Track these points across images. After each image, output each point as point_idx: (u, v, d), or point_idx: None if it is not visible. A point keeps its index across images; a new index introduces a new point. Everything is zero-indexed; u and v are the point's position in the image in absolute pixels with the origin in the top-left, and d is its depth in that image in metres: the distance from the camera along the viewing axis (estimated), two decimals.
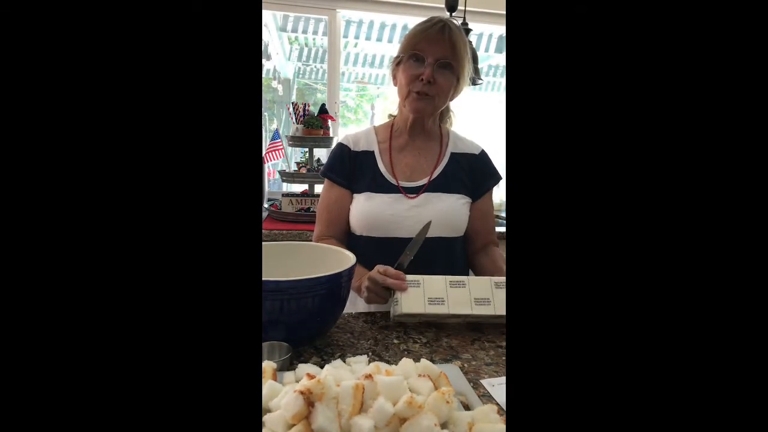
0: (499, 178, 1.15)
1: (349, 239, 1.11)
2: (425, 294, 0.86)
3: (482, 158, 1.14)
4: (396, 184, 1.07)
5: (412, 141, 1.11)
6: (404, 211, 1.04)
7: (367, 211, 1.05)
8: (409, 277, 0.88)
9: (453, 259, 1.10)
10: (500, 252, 1.12)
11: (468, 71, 1.05)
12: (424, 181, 1.08)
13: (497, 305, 0.88)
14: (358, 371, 0.61)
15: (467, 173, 1.11)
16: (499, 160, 1.18)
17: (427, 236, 0.98)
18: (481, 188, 1.12)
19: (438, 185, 1.08)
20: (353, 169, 1.09)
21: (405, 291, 0.86)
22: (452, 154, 1.12)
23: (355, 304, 1.09)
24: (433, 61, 0.99)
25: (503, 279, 0.90)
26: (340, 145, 1.13)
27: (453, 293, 0.87)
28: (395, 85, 1.09)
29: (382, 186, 1.07)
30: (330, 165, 1.12)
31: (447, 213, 1.06)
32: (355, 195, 1.08)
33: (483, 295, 0.88)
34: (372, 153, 1.10)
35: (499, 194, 2.48)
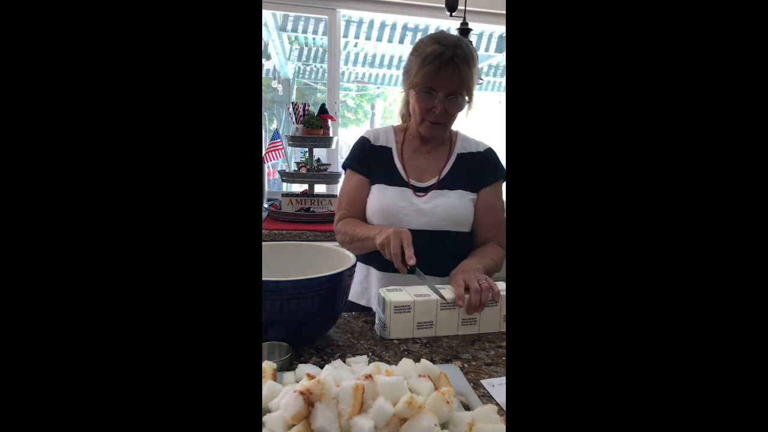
0: (501, 175, 1.18)
1: None
2: (414, 319, 0.87)
3: (487, 154, 1.19)
4: (407, 181, 1.14)
5: (424, 145, 1.18)
6: (412, 206, 1.11)
7: (380, 201, 1.13)
8: (401, 299, 0.86)
9: (458, 252, 1.13)
10: (498, 250, 1.12)
11: (475, 86, 1.11)
12: (433, 181, 1.15)
13: (482, 323, 0.90)
14: (358, 371, 0.61)
15: (472, 170, 1.16)
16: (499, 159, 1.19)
17: (433, 230, 1.08)
18: (484, 181, 1.15)
19: (444, 184, 1.14)
20: (372, 161, 1.17)
21: (395, 318, 0.86)
22: (459, 154, 1.18)
23: (367, 295, 1.14)
24: (444, 96, 1.05)
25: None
26: (362, 139, 1.21)
27: (442, 315, 0.88)
28: (404, 91, 1.15)
29: (395, 180, 1.14)
30: (352, 156, 1.20)
31: (451, 208, 1.11)
32: (372, 186, 1.16)
33: (471, 314, 0.89)
34: (390, 149, 1.18)
35: None
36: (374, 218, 1.13)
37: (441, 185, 1.13)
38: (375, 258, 1.11)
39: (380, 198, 1.12)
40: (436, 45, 1.04)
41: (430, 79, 1.04)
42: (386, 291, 0.89)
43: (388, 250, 0.94)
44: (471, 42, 1.09)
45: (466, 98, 1.09)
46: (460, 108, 1.09)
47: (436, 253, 1.08)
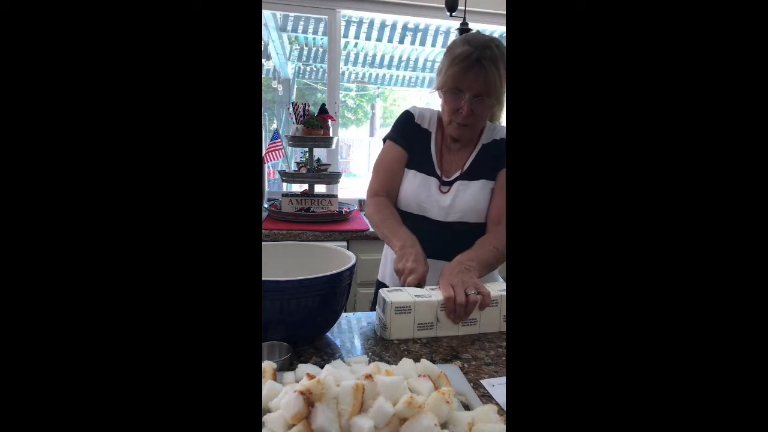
0: None
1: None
2: (415, 320, 0.87)
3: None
4: (439, 174, 1.17)
5: (454, 143, 1.19)
6: (433, 199, 1.15)
7: (409, 188, 1.16)
8: (402, 300, 0.86)
9: (475, 241, 1.13)
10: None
11: (504, 90, 1.10)
12: (457, 174, 1.16)
13: (482, 324, 0.90)
14: (358, 371, 0.61)
15: (494, 159, 1.16)
16: None
17: (454, 221, 1.13)
18: (501, 164, 1.15)
19: (467, 175, 1.16)
20: (414, 138, 1.19)
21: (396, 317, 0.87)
22: (483, 145, 1.18)
23: (384, 270, 1.22)
24: (470, 97, 1.06)
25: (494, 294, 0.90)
26: (408, 114, 1.22)
27: (442, 316, 0.88)
28: (439, 92, 1.13)
29: (428, 168, 1.17)
30: (395, 129, 1.21)
31: (469, 200, 1.13)
32: (407, 169, 1.18)
33: (471, 315, 0.89)
34: (430, 134, 1.19)
35: None
36: (402, 201, 1.18)
37: (463, 177, 1.15)
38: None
39: (411, 186, 1.16)
40: (466, 46, 1.05)
41: (457, 80, 1.05)
42: (387, 292, 0.89)
43: (401, 278, 0.97)
44: (503, 44, 1.09)
45: (494, 100, 1.08)
46: (487, 109, 1.09)
47: (449, 241, 1.11)
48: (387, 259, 1.24)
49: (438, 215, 1.13)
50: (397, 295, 0.87)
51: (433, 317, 0.87)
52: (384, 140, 1.24)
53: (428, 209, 1.14)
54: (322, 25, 3.21)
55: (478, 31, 1.13)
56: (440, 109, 1.17)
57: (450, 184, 1.16)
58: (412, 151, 1.18)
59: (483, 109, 1.08)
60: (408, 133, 1.19)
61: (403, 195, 1.17)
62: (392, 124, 1.24)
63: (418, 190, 1.15)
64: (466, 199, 1.13)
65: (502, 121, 1.21)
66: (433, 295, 0.88)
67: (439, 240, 1.12)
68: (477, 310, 0.88)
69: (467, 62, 1.03)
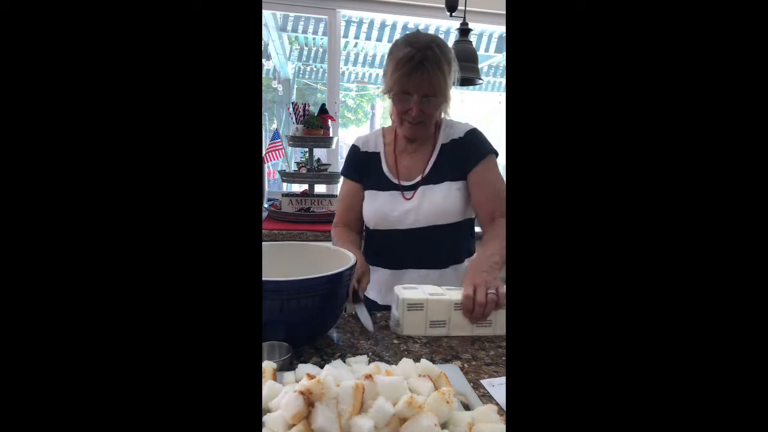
0: (485, 152, 1.16)
1: (365, 232, 1.27)
2: (428, 317, 0.87)
3: (466, 138, 1.18)
4: (397, 183, 1.17)
5: (410, 144, 1.20)
6: (399, 208, 1.16)
7: (371, 207, 1.18)
8: (414, 297, 0.87)
9: (454, 245, 1.17)
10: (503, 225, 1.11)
11: (451, 85, 1.12)
12: (419, 178, 1.17)
13: (498, 326, 0.90)
14: (358, 371, 0.61)
15: (456, 158, 1.16)
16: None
17: (423, 226, 1.13)
18: (468, 164, 1.15)
19: (430, 179, 1.16)
20: (362, 167, 1.23)
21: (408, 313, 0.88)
22: (442, 145, 1.18)
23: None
24: (418, 98, 1.07)
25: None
26: (352, 146, 1.28)
27: (455, 316, 0.88)
28: (387, 96, 1.14)
29: (384, 185, 1.18)
30: (345, 164, 1.27)
31: (435, 204, 1.14)
32: (365, 191, 1.21)
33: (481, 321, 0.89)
34: (378, 154, 1.22)
35: None
36: (370, 223, 1.19)
37: (426, 181, 1.16)
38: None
39: (372, 204, 1.18)
40: (407, 48, 1.05)
41: (403, 83, 1.06)
42: (401, 288, 0.90)
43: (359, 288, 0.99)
44: (445, 43, 1.09)
45: (441, 99, 1.09)
46: (435, 108, 1.10)
47: (426, 247, 1.14)
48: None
49: (408, 223, 1.14)
50: (410, 292, 0.88)
51: (446, 315, 0.87)
52: (341, 174, 1.28)
53: (397, 221, 1.14)
54: (322, 25, 3.21)
55: (419, 31, 1.13)
56: (389, 112, 1.17)
57: (413, 188, 1.16)
58: (365, 178, 1.21)
59: (431, 108, 1.09)
60: (356, 164, 1.23)
61: (369, 216, 1.18)
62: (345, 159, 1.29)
63: (382, 206, 1.16)
64: (434, 203, 1.13)
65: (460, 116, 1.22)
66: (447, 293, 0.88)
67: (417, 248, 1.14)
68: (494, 311, 0.88)
69: (410, 65, 1.03)
